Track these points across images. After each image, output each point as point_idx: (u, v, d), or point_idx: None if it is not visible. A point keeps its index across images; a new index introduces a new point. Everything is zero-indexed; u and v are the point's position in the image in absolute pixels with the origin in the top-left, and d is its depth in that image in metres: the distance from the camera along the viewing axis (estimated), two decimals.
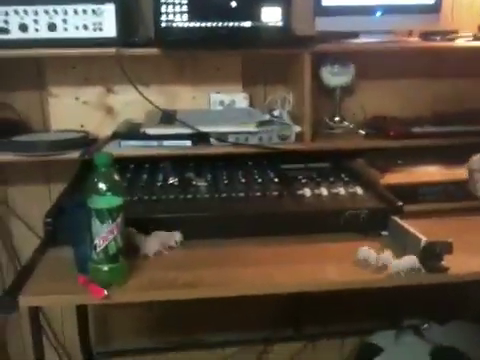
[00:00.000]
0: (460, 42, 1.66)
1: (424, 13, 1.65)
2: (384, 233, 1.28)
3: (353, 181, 1.46)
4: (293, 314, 1.99)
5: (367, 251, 1.14)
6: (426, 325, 1.68)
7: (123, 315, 1.95)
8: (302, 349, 2.05)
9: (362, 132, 1.70)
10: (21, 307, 1.03)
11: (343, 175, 1.50)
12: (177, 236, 1.22)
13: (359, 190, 1.39)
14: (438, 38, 1.68)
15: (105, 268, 1.04)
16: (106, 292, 1.02)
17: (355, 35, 1.65)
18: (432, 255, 1.09)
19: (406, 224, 1.22)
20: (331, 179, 1.47)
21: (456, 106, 1.83)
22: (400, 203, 1.29)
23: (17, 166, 1.75)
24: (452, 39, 1.67)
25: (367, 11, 1.63)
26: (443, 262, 1.09)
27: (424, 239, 1.11)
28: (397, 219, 1.26)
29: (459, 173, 1.46)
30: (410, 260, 1.09)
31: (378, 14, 1.63)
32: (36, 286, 1.07)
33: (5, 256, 1.88)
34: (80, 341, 1.77)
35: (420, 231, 1.16)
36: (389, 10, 1.63)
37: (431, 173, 1.49)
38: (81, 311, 1.76)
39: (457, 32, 1.70)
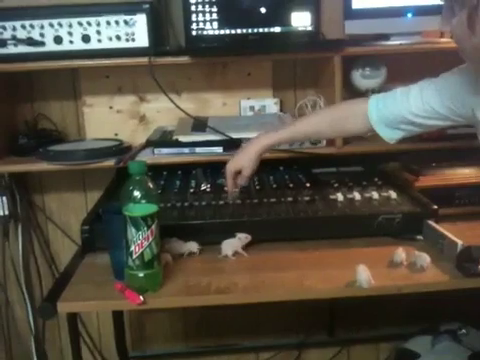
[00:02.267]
0: None
1: None
2: (419, 237, 1.26)
3: (386, 185, 1.45)
4: (327, 319, 1.98)
5: (401, 254, 1.13)
6: (463, 330, 1.64)
7: (158, 320, 1.98)
8: (337, 354, 2.03)
9: None
10: (59, 313, 1.06)
11: (376, 179, 1.49)
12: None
13: (393, 194, 1.38)
14: None
15: (141, 274, 1.06)
16: (142, 298, 1.03)
17: (386, 37, 1.64)
18: (469, 259, 1.07)
19: (441, 228, 1.20)
20: (364, 183, 1.46)
21: None
22: (435, 207, 1.28)
23: (54, 175, 1.80)
24: None
25: (398, 13, 1.62)
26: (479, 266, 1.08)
27: (460, 243, 1.10)
28: (432, 223, 1.24)
29: None
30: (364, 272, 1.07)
31: (409, 16, 1.61)
32: (74, 292, 1.10)
33: (43, 262, 1.92)
34: (116, 345, 1.79)
35: (455, 235, 1.14)
36: (420, 11, 1.61)
37: (466, 175, 1.46)
38: (117, 316, 1.78)
39: None
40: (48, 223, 1.90)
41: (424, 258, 1.12)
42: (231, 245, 1.22)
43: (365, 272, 1.06)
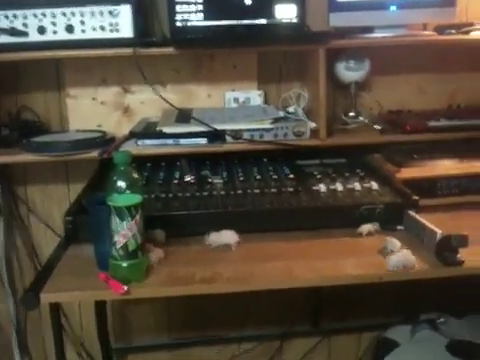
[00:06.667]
0: (475, 35, 1.65)
1: (439, 7, 1.64)
2: (400, 227, 1.28)
3: (369, 176, 1.47)
4: (310, 309, 2.00)
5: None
6: (442, 319, 1.68)
7: (141, 312, 1.98)
8: (318, 344, 2.06)
9: (377, 127, 1.70)
10: (42, 303, 1.05)
11: (358, 170, 1.51)
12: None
13: (375, 185, 1.39)
14: (453, 31, 1.67)
15: (124, 264, 1.06)
16: (126, 288, 1.04)
17: (370, 30, 1.65)
18: (448, 248, 1.09)
19: (422, 218, 1.22)
20: (346, 174, 1.48)
21: (472, 99, 1.82)
22: (416, 197, 1.30)
23: (37, 166, 1.79)
24: (467, 32, 1.66)
25: (381, 6, 1.63)
26: (459, 255, 1.09)
27: (439, 232, 1.11)
28: (413, 213, 1.26)
29: (475, 166, 1.46)
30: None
31: (392, 8, 1.63)
32: (57, 283, 1.09)
33: (25, 254, 1.91)
34: (98, 337, 1.79)
35: (436, 225, 1.16)
36: (403, 4, 1.63)
37: (447, 167, 1.48)
38: (99, 308, 1.78)
39: (472, 25, 1.69)
40: (30, 215, 1.89)
41: (394, 243, 1.15)
42: (231, 236, 1.24)
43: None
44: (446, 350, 1.59)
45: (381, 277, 1.09)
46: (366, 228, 1.25)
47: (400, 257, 1.10)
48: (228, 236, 1.24)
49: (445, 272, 1.11)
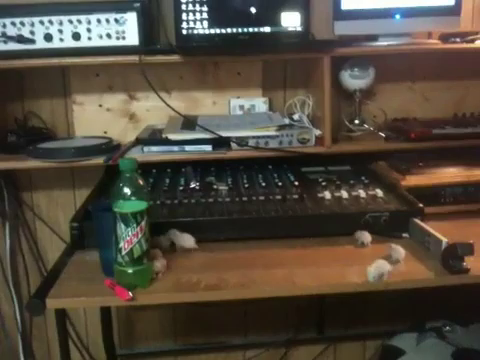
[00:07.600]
0: None
1: (444, 15, 1.65)
2: (405, 235, 1.28)
3: (374, 183, 1.47)
4: (315, 316, 2.00)
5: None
6: (448, 327, 1.67)
7: (147, 318, 1.98)
8: (324, 351, 2.05)
9: (382, 134, 1.70)
10: (48, 309, 1.06)
11: (363, 178, 1.51)
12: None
13: (380, 192, 1.39)
14: (458, 40, 1.67)
15: (130, 271, 1.06)
16: (131, 294, 1.04)
17: (374, 38, 1.66)
18: (453, 256, 1.09)
19: (427, 226, 1.22)
20: (351, 182, 1.48)
21: (477, 107, 1.82)
22: (421, 205, 1.30)
23: (43, 172, 1.80)
24: (472, 41, 1.66)
25: (386, 14, 1.64)
26: (464, 263, 1.09)
27: (445, 240, 1.12)
28: (418, 221, 1.26)
29: None
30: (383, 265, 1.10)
31: (397, 17, 1.63)
32: (63, 288, 1.10)
33: (31, 260, 1.92)
34: (104, 343, 1.79)
35: (441, 233, 1.16)
36: (408, 13, 1.63)
37: (452, 175, 1.48)
38: (105, 313, 1.78)
39: (477, 33, 1.69)
40: (36, 220, 1.90)
41: (399, 251, 1.15)
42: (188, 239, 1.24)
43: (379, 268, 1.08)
44: (452, 358, 1.58)
45: (387, 285, 1.09)
46: (367, 238, 1.25)
47: (377, 268, 1.09)
48: (185, 239, 1.24)
49: (451, 280, 1.10)
